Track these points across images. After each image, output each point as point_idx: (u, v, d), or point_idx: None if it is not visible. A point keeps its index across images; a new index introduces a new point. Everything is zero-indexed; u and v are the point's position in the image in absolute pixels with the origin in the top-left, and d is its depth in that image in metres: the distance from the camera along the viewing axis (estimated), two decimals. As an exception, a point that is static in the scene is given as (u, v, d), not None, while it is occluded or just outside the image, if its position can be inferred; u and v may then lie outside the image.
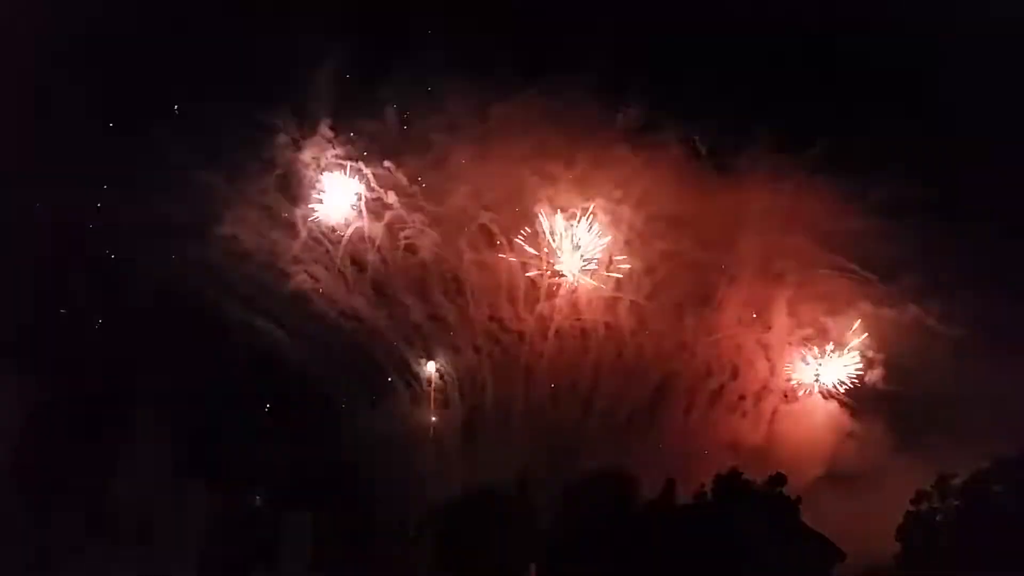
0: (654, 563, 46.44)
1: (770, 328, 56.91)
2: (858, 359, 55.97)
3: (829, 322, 56.14)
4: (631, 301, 56.92)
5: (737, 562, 45.80)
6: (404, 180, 55.23)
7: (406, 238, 55.79)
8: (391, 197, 55.24)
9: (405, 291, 56.04)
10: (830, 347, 56.17)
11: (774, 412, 57.07)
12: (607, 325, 57.21)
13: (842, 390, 56.24)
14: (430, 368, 56.30)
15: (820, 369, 56.54)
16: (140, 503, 40.25)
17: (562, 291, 56.88)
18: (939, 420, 50.02)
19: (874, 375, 55.58)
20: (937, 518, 46.05)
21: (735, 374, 57.48)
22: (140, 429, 42.69)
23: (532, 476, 51.53)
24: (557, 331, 56.96)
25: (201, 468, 44.31)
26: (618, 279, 56.88)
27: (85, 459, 39.60)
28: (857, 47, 52.80)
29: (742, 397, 57.55)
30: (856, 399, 55.97)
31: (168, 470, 41.78)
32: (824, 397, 56.68)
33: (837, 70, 53.39)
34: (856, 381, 55.95)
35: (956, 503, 45.46)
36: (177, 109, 51.37)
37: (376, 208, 55.47)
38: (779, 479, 49.10)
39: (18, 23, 45.36)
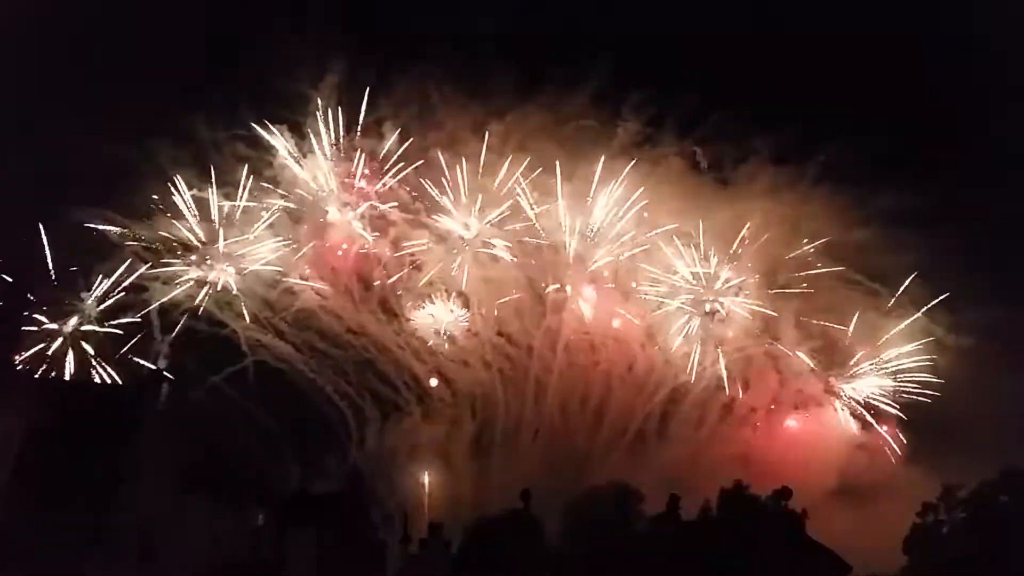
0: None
1: (777, 340, 56.62)
2: (872, 372, 55.57)
3: (836, 333, 55.74)
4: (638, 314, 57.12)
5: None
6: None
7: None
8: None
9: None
10: (839, 359, 55.83)
11: (784, 425, 56.76)
12: (615, 339, 57.41)
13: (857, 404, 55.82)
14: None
15: (832, 383, 56.20)
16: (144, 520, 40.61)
17: (569, 304, 57.21)
18: (946, 431, 49.36)
19: (884, 387, 55.11)
20: (944, 530, 45.20)
21: (745, 387, 57.25)
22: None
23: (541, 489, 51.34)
24: (566, 345, 57.35)
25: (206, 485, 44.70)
26: (625, 292, 57.27)
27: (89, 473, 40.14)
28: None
29: (753, 410, 57.32)
30: (867, 411, 55.54)
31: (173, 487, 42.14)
32: (835, 410, 56.27)
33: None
34: (873, 396, 55.51)
35: (962, 515, 44.56)
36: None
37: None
38: (785, 493, 48.40)
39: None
